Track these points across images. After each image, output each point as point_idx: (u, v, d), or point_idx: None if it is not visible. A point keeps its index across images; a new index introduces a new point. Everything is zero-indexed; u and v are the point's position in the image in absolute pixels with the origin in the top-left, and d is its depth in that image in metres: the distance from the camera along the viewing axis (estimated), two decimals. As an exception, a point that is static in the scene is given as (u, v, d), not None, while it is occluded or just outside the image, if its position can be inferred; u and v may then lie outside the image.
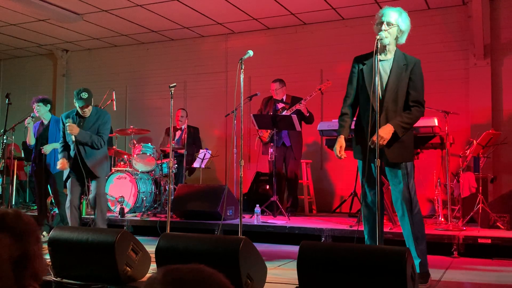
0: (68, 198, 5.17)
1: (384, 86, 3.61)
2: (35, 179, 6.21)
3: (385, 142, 3.49)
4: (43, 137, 6.05)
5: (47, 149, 5.94)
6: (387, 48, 3.63)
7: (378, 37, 3.50)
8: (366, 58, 3.71)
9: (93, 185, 5.23)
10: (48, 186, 6.23)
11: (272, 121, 6.46)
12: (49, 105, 6.14)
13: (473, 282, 3.84)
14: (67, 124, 5.02)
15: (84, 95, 5.07)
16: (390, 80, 3.60)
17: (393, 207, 6.74)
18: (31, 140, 6.12)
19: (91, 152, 5.14)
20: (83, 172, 5.01)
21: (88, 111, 5.14)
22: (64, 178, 5.28)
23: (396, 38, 3.61)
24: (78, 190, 5.20)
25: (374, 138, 3.44)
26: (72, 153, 5.14)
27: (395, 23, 3.56)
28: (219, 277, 1.13)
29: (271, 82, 7.15)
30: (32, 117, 6.17)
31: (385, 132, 3.49)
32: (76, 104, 5.12)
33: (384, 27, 3.54)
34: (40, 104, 6.06)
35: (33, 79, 11.09)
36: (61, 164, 5.14)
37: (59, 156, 5.29)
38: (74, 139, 5.03)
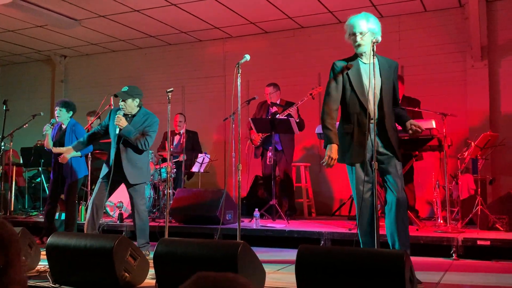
0: (91, 200, 4.96)
1: (379, 89, 3.65)
2: (51, 184, 6.10)
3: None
4: (60, 143, 5.95)
5: (64, 158, 5.87)
6: (367, 52, 3.68)
7: (373, 40, 3.56)
8: (348, 63, 3.78)
9: (130, 198, 5.01)
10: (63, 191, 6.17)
11: (270, 125, 6.46)
12: (71, 112, 6.04)
13: (472, 285, 3.83)
14: (117, 114, 4.87)
15: (124, 88, 4.97)
16: (384, 84, 3.67)
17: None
18: (49, 144, 6.00)
19: (131, 155, 4.94)
20: (122, 176, 4.86)
21: (126, 106, 4.94)
22: (101, 176, 5.02)
23: (377, 41, 3.63)
24: (104, 196, 4.95)
25: (414, 127, 3.64)
26: (112, 151, 4.95)
27: (367, 30, 3.64)
28: None
29: (266, 86, 7.17)
30: (52, 123, 6.07)
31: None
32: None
33: (358, 37, 3.63)
34: (63, 109, 5.96)
35: (32, 85, 11.10)
36: (67, 150, 5.02)
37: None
38: (118, 132, 4.87)
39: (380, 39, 3.66)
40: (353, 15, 3.76)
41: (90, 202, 5.00)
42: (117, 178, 4.89)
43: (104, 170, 5.02)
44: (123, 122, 4.86)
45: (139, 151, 4.99)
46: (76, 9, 7.78)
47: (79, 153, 5.92)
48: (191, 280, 1.11)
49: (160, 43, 9.65)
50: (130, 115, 5.01)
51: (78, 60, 10.64)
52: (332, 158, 3.68)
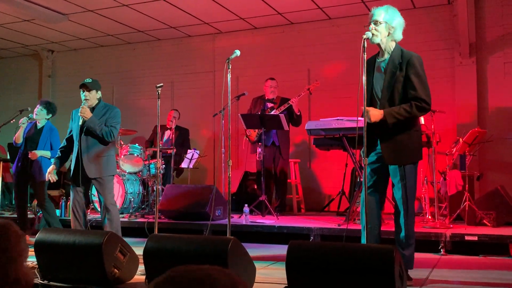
0: (70, 206, 4.89)
1: (381, 85, 3.64)
2: (16, 180, 6.02)
3: (371, 119, 3.49)
4: (33, 140, 5.90)
5: (36, 153, 5.83)
6: (383, 48, 3.65)
7: (364, 36, 3.51)
8: (370, 60, 3.74)
9: (97, 193, 4.90)
10: (31, 189, 6.11)
11: (260, 121, 6.46)
12: (50, 115, 6.04)
13: (460, 280, 3.86)
14: (81, 106, 4.78)
15: (88, 80, 4.92)
16: (385, 79, 3.62)
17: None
18: (20, 138, 5.93)
19: (94, 148, 4.82)
20: (85, 172, 4.72)
21: (90, 97, 4.86)
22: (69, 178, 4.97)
23: (390, 35, 3.62)
24: (80, 200, 4.85)
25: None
26: (75, 149, 4.85)
27: (382, 21, 3.59)
28: (225, 281, 1.09)
29: (269, 79, 7.12)
30: (29, 118, 6.01)
31: (374, 113, 3.51)
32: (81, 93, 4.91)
33: (371, 26, 3.58)
34: (44, 110, 5.96)
35: (19, 80, 10.97)
36: (50, 169, 4.91)
37: (52, 161, 4.99)
38: (81, 123, 4.77)
39: (398, 36, 3.62)
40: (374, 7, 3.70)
41: (70, 208, 4.95)
42: (82, 174, 4.76)
43: (70, 171, 4.97)
44: (88, 113, 4.79)
45: (105, 142, 4.89)
46: (63, 3, 7.69)
47: (48, 153, 5.87)
48: (163, 277, 1.09)
49: (149, 38, 9.58)
50: (90, 108, 4.92)
51: (66, 55, 10.53)
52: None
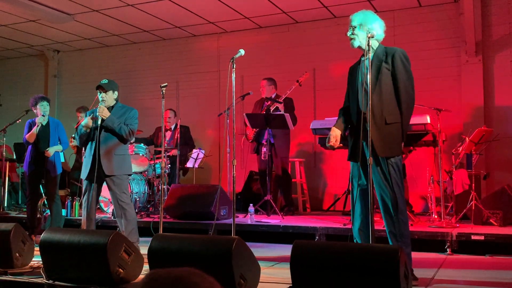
0: (84, 205, 4.88)
1: (367, 81, 3.61)
2: (30, 180, 6.03)
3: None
4: (44, 137, 5.96)
5: (50, 151, 5.90)
6: (365, 49, 3.66)
7: (369, 34, 3.57)
8: (354, 65, 3.86)
9: (110, 192, 4.87)
10: (41, 187, 6.17)
11: (265, 121, 6.44)
12: None
13: (466, 280, 3.84)
14: (99, 106, 4.80)
15: (104, 80, 4.96)
16: (371, 73, 3.62)
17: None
18: (34, 137, 5.94)
19: (111, 146, 4.81)
20: (100, 169, 4.72)
21: (106, 97, 4.88)
22: (82, 176, 4.95)
23: (372, 36, 3.61)
24: (94, 198, 4.83)
25: None
26: (90, 146, 4.85)
27: (356, 24, 3.70)
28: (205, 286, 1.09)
29: (262, 79, 7.18)
30: (43, 115, 6.02)
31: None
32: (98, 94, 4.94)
33: (349, 32, 3.71)
34: (48, 105, 6.06)
35: (25, 80, 11.02)
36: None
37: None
38: (100, 123, 4.76)
39: (376, 33, 3.66)
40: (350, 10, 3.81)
41: (83, 204, 4.94)
42: (98, 172, 4.76)
43: (84, 169, 4.94)
44: (106, 112, 4.82)
45: (124, 141, 4.91)
46: (69, 3, 7.71)
47: (60, 147, 5.98)
48: (143, 281, 1.10)
49: (154, 38, 9.59)
50: (108, 108, 4.94)
51: (72, 55, 10.57)
52: (331, 138, 3.70)
